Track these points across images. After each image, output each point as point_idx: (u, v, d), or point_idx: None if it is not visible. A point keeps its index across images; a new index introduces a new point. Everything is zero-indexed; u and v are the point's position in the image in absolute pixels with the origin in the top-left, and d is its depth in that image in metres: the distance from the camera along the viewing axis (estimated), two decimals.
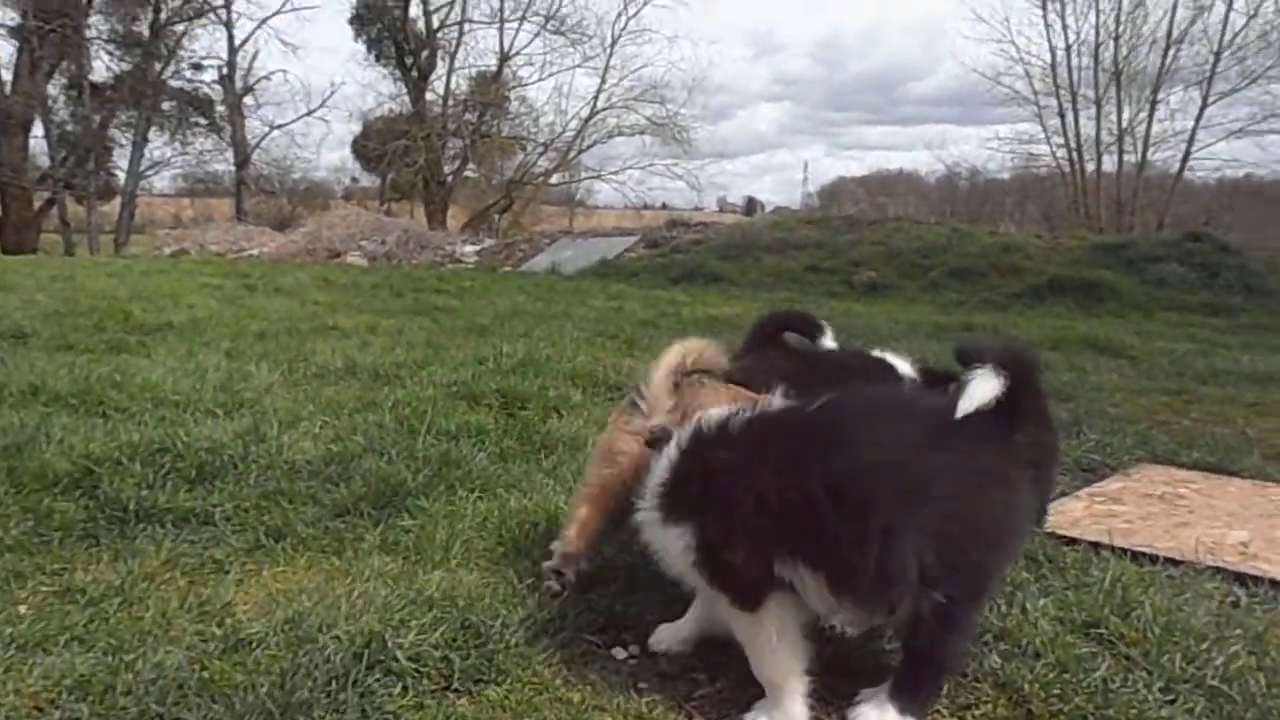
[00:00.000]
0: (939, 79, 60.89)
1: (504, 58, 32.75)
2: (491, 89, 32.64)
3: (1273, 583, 3.06)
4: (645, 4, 31.83)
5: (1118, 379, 6.79)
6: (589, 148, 33.87)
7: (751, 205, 48.43)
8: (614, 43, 32.32)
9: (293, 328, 7.47)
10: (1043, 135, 31.83)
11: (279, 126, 32.22)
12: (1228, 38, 28.72)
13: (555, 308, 10.29)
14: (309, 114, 32.28)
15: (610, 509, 2.52)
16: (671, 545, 2.03)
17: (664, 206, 36.45)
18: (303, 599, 2.43)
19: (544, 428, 4.33)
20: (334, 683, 1.99)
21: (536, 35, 32.61)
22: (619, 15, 32.14)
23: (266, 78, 31.62)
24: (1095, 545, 3.30)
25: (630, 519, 2.22)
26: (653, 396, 2.50)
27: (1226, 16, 28.63)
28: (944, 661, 1.96)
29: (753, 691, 2.06)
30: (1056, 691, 2.02)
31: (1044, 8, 30.17)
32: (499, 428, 4.28)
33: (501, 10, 32.11)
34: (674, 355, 2.61)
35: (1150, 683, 2.10)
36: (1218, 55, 28.96)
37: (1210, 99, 29.44)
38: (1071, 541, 3.27)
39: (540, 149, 33.74)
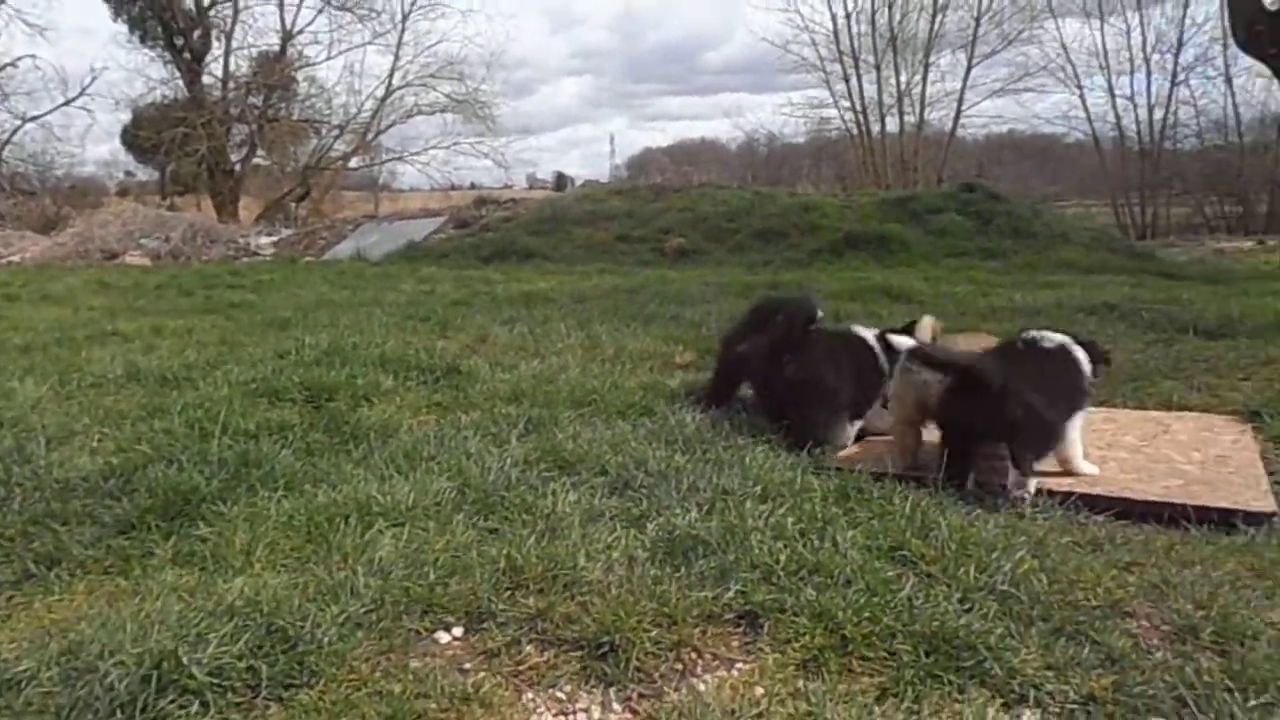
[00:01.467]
0: (733, 48, 62.89)
1: (287, 36, 30.83)
2: (276, 70, 30.68)
3: (1050, 493, 3.36)
4: None
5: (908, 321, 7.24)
6: (388, 128, 32.59)
7: (561, 180, 48.25)
8: (405, 18, 31.13)
9: (64, 337, 6.77)
10: (831, 100, 33.58)
11: (33, 119, 28.99)
12: (985, 3, 31.29)
13: (362, 295, 9.87)
14: (67, 103, 29.14)
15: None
16: None
17: (473, 186, 35.62)
18: (81, 626, 2.19)
19: (353, 417, 4.12)
20: (119, 712, 1.80)
21: (320, 12, 30.90)
22: None
23: (13, 64, 28.32)
24: (899, 478, 3.51)
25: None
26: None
27: None
28: None
29: (588, 663, 2.05)
30: (867, 614, 2.12)
31: None
32: (304, 422, 4.04)
33: None
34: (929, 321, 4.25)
35: (949, 595, 2.24)
36: (978, 20, 31.51)
37: (975, 61, 32.04)
38: (879, 477, 3.46)
39: (335, 131, 32.15)
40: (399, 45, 31.22)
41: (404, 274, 12.76)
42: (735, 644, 2.13)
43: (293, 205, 30.61)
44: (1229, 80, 32.58)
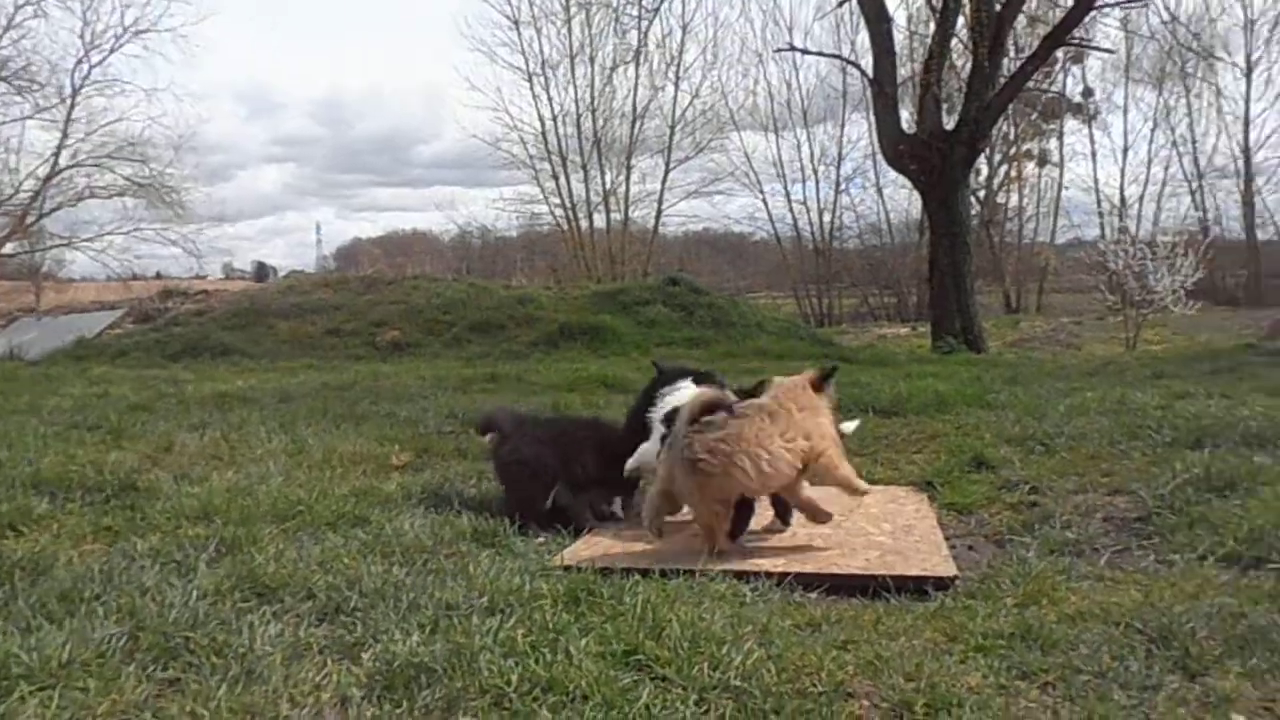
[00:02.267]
0: (444, 143, 63.34)
1: None
2: None
3: (767, 574, 3.49)
4: (111, 51, 28.26)
5: (623, 412, 7.41)
6: (53, 211, 28.89)
7: (262, 270, 45.46)
8: (76, 92, 28.07)
9: None
10: (541, 196, 34.73)
11: None
12: (679, 114, 34.16)
13: (15, 401, 8.48)
14: None
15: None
16: None
17: (159, 276, 32.46)
18: None
19: None
20: None
21: None
22: (79, 63, 28.06)
23: None
24: (627, 571, 3.47)
25: None
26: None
27: (675, 96, 34.08)
28: None
29: None
30: None
31: (530, 81, 33.12)
32: None
33: None
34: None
35: (686, 697, 2.19)
36: (672, 129, 34.30)
37: (671, 165, 34.75)
38: (606, 572, 3.40)
39: None
40: (68, 121, 28.08)
41: (71, 375, 11.21)
42: None
43: None
44: (880, 190, 38.05)
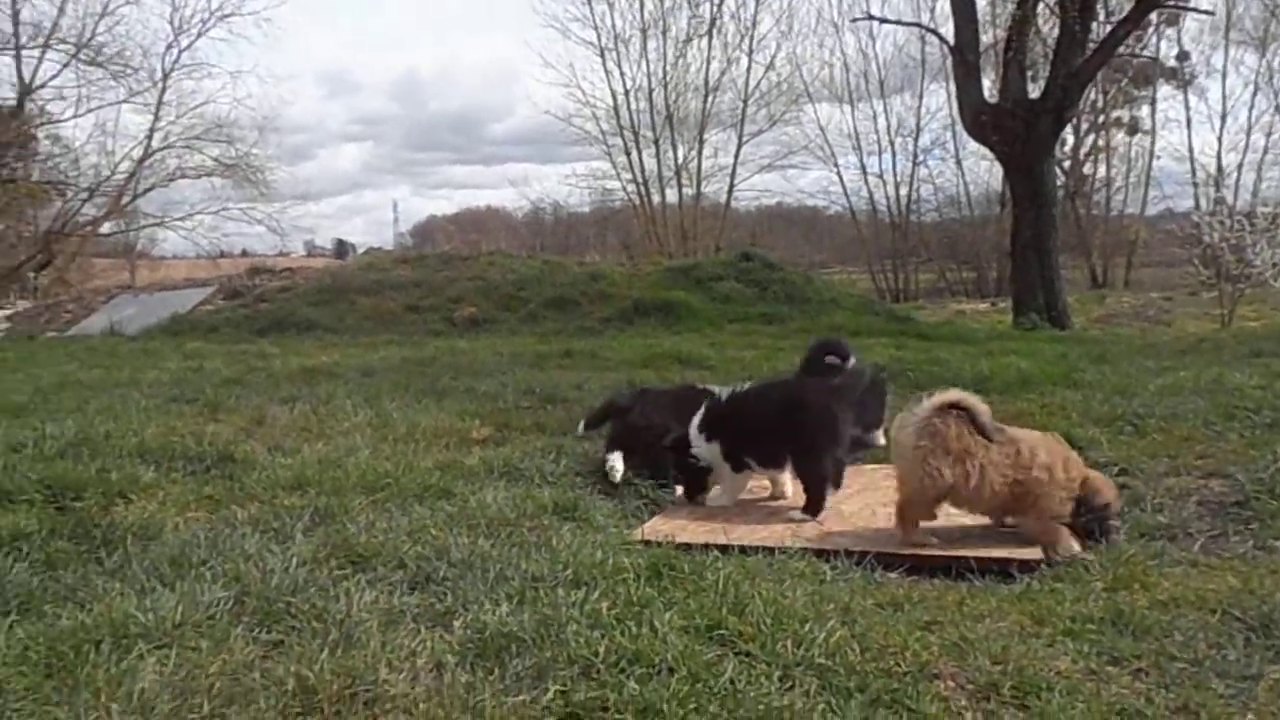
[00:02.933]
0: (517, 120, 63.74)
1: (25, 90, 27.97)
2: (11, 127, 27.68)
3: (847, 552, 3.48)
4: (198, 36, 29.15)
5: None
6: (146, 192, 30.07)
7: (342, 248, 46.62)
8: (166, 76, 29.07)
9: None
10: (613, 171, 34.76)
11: None
12: (752, 86, 33.74)
13: (117, 375, 8.89)
14: None
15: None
16: None
17: (244, 254, 33.49)
18: None
19: (105, 520, 3.61)
20: None
21: (66, 65, 28.29)
22: (169, 47, 29.02)
23: None
24: (705, 547, 3.51)
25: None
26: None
27: (749, 68, 33.62)
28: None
29: None
30: (693, 705, 2.04)
31: (602, 56, 33.06)
32: (44, 528, 3.48)
33: (17, 35, 27.41)
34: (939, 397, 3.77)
35: (770, 673, 2.22)
36: (745, 102, 33.89)
37: (744, 139, 34.37)
38: (686, 548, 3.44)
39: (84, 194, 29.29)
40: (159, 105, 29.10)
41: (167, 350, 11.68)
42: None
43: (31, 275, 27.48)
44: (959, 162, 36.96)
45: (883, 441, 5.63)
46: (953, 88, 16.89)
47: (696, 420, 4.40)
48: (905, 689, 2.17)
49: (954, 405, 3.68)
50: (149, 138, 29.17)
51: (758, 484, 4.58)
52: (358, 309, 14.71)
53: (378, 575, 2.98)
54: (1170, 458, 4.71)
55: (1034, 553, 3.47)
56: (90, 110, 28.64)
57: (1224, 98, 36.59)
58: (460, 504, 3.91)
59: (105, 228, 30.84)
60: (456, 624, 2.54)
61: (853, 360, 5.23)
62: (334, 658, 2.28)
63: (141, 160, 29.24)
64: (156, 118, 29.14)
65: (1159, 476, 4.44)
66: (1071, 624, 2.64)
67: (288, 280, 16.69)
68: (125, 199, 29.79)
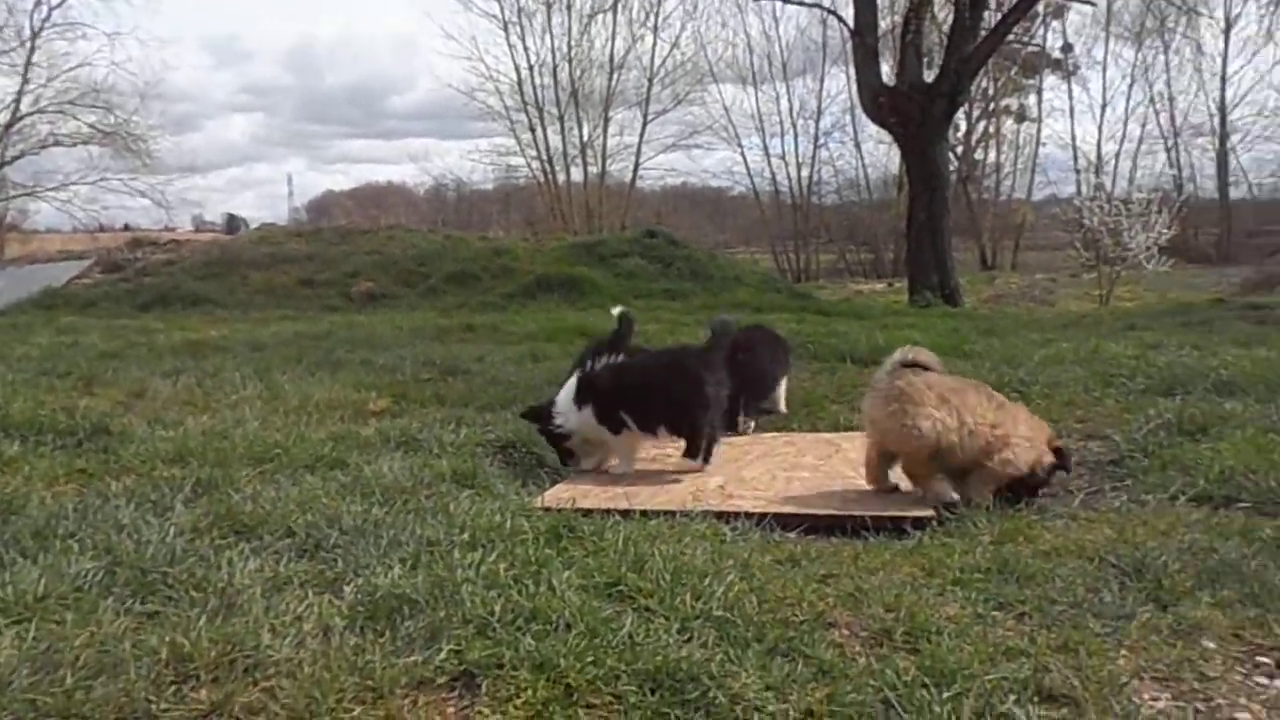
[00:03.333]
0: (418, 94, 62.15)
1: None
2: None
3: (746, 515, 3.51)
4: None
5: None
6: (15, 159, 28.22)
7: (234, 223, 44.63)
8: (35, 36, 27.30)
9: None
10: (518, 148, 34.32)
11: None
12: (657, 65, 33.74)
13: None
14: None
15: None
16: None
17: (126, 228, 31.73)
18: None
19: None
20: None
21: None
22: (37, 4, 27.18)
23: None
24: (606, 512, 3.48)
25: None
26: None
27: (654, 46, 33.62)
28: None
29: None
30: (590, 659, 2.01)
31: (506, 30, 32.54)
32: None
33: None
34: (899, 352, 3.82)
35: (669, 627, 2.20)
36: (651, 80, 33.89)
37: (649, 118, 34.40)
38: (587, 513, 3.40)
39: None
40: (27, 65, 27.29)
41: (38, 324, 10.99)
42: (451, 710, 1.92)
43: None
44: (858, 145, 37.89)
45: (783, 407, 5.73)
46: (853, 71, 17.22)
47: (568, 391, 4.40)
48: (802, 637, 2.18)
49: (910, 364, 3.75)
50: (17, 101, 27.37)
51: (661, 449, 4.59)
52: (249, 283, 14.16)
53: (264, 544, 2.84)
54: (1053, 421, 4.90)
55: (927, 510, 3.57)
56: None
57: (1104, 89, 38.61)
58: (354, 474, 3.78)
59: None
60: (347, 589, 2.44)
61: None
62: (213, 625, 2.16)
63: (9, 126, 27.43)
64: (25, 80, 27.35)
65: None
66: (960, 574, 2.71)
67: (173, 253, 15.92)
68: None
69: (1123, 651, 2.18)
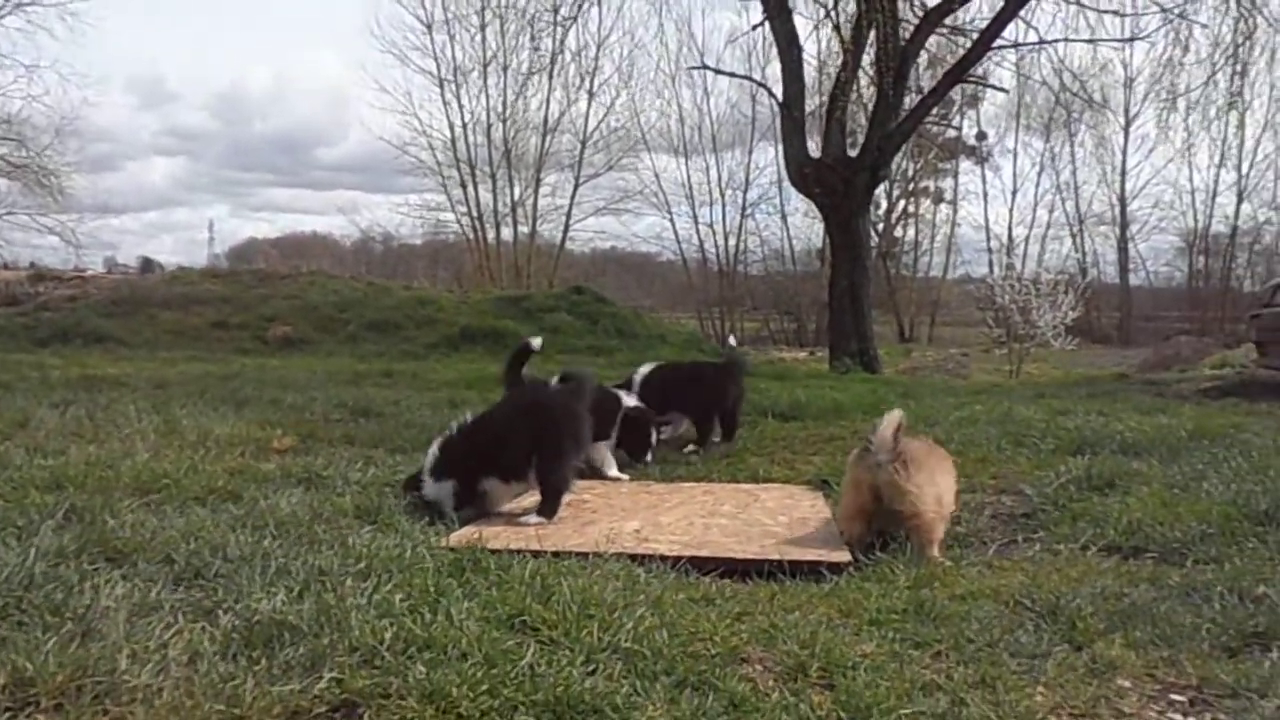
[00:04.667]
0: (349, 145, 61.25)
1: None
2: None
3: (662, 557, 3.39)
4: None
5: None
6: None
7: (149, 265, 43.11)
8: None
9: None
10: (448, 204, 34.17)
11: None
12: (590, 129, 34.21)
13: None
14: None
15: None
16: None
17: (32, 266, 30.39)
18: None
19: None
20: None
21: None
22: None
23: None
24: (516, 552, 3.33)
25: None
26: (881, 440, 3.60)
27: (588, 111, 34.09)
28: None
29: None
30: (485, 688, 1.86)
31: (441, 87, 32.60)
32: None
33: None
34: (896, 415, 3.70)
35: (573, 658, 2.07)
36: (584, 144, 34.28)
37: (581, 180, 34.71)
38: (495, 552, 3.25)
39: None
40: None
41: None
42: None
43: None
44: (784, 217, 38.86)
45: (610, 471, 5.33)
46: (780, 145, 17.70)
47: (430, 459, 4.16)
48: (713, 670, 2.07)
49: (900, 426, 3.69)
50: None
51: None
52: (158, 323, 13.61)
53: (137, 570, 2.61)
54: (967, 476, 4.95)
55: (844, 555, 3.51)
56: None
57: (1014, 175, 40.61)
58: (249, 507, 3.55)
59: None
60: (224, 616, 2.24)
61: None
62: (64, 651, 1.94)
63: None
64: None
65: (958, 493, 4.65)
66: (877, 614, 2.65)
67: (77, 289, 15.24)
68: None
69: (1039, 688, 2.13)
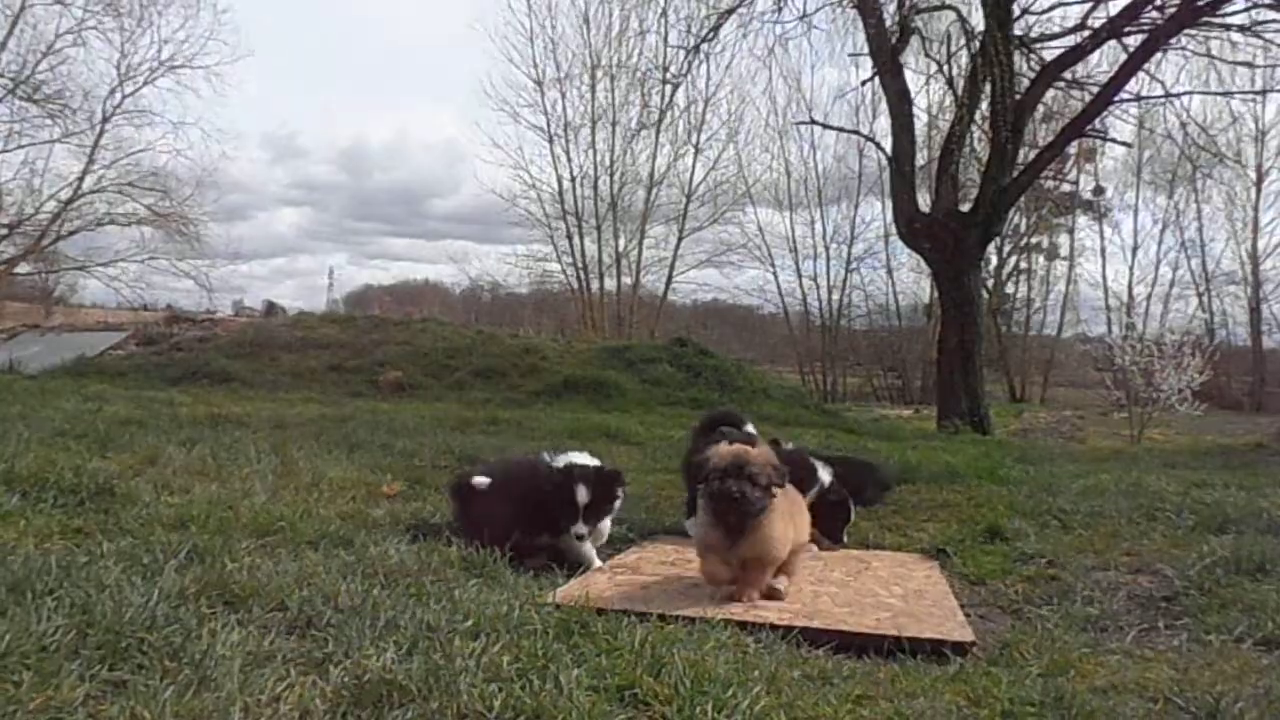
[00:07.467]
0: (461, 197, 63.61)
1: None
2: None
3: (772, 626, 3.25)
4: (144, 84, 28.72)
5: (628, 461, 7.22)
6: (71, 234, 29.03)
7: (272, 309, 45.42)
8: (105, 120, 28.46)
9: None
10: (554, 255, 34.92)
11: None
12: (695, 183, 34.57)
13: (5, 409, 8.27)
14: None
15: None
16: None
17: (169, 308, 32.34)
18: None
19: None
20: None
21: (1, 100, 27.48)
22: (112, 91, 28.46)
23: None
24: (623, 613, 3.25)
25: None
26: None
27: (693, 165, 34.48)
28: None
29: None
30: None
31: (551, 142, 33.56)
32: None
33: None
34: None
35: None
36: (688, 197, 34.63)
37: (685, 233, 34.99)
38: (601, 612, 3.17)
39: (1, 230, 28.11)
40: (95, 148, 28.37)
41: (67, 390, 11.01)
42: None
43: None
44: (890, 272, 38.20)
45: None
46: (887, 201, 17.49)
47: None
48: None
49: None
50: (80, 180, 28.36)
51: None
52: (279, 364, 14.20)
53: (252, 616, 2.64)
54: (1097, 552, 4.64)
55: (967, 634, 3.30)
56: (20, 146, 27.76)
57: (1135, 232, 38.91)
58: (359, 553, 3.58)
59: (22, 268, 29.57)
60: (335, 670, 2.22)
61: (748, 427, 5.11)
62: (180, 699, 1.95)
63: (69, 202, 28.36)
64: (91, 160, 28.40)
65: (1087, 570, 4.35)
66: (1010, 706, 2.45)
67: (207, 331, 16.08)
68: (47, 240, 28.69)
69: None
